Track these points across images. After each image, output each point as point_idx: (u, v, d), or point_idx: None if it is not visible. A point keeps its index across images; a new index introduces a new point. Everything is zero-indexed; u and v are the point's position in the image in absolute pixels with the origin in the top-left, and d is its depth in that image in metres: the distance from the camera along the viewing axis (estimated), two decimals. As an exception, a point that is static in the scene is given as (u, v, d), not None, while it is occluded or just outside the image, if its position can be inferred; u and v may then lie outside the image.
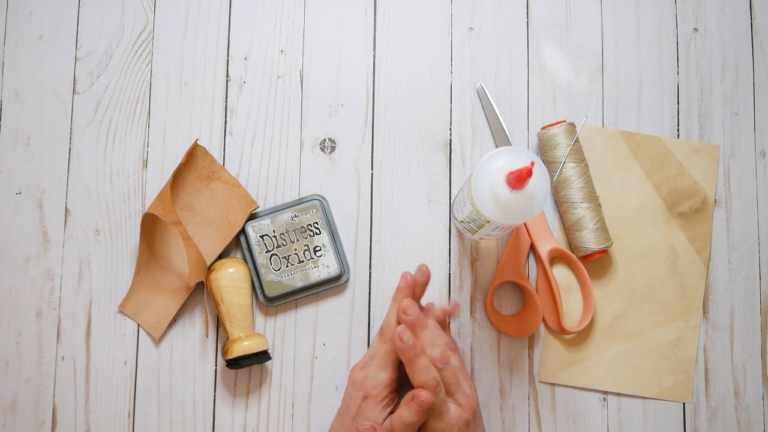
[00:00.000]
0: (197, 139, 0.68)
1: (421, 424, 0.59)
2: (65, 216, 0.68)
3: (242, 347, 0.63)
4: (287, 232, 0.67)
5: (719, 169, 0.71)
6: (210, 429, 0.66)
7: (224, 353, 0.64)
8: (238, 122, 0.69)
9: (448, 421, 0.58)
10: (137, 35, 0.70)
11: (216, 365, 0.67)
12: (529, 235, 0.68)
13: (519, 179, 0.53)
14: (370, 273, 0.68)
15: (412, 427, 0.58)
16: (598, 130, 0.70)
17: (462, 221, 0.64)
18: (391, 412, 0.59)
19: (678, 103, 0.72)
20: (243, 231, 0.67)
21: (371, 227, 0.69)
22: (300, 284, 0.66)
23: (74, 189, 0.68)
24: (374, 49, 0.71)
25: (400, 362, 0.60)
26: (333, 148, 0.70)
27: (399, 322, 0.60)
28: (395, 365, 0.60)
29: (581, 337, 0.68)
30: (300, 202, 0.68)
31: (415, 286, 0.61)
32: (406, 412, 0.57)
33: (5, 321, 0.67)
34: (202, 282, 0.66)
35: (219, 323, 0.67)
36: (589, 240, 0.67)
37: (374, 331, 0.68)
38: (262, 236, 0.66)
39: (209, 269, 0.65)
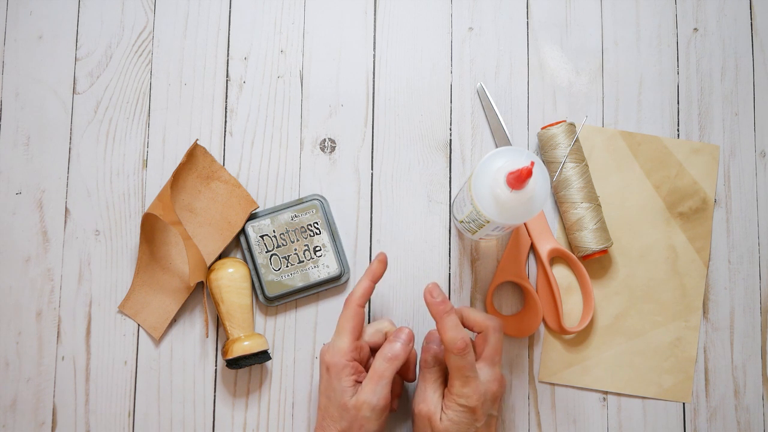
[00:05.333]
0: (197, 139, 0.68)
1: (448, 386, 0.58)
2: (65, 216, 0.68)
3: (242, 347, 0.63)
4: (287, 232, 0.67)
5: (719, 169, 0.71)
6: (210, 429, 0.66)
7: (224, 353, 0.64)
8: (238, 122, 0.69)
9: (475, 388, 0.57)
10: (137, 35, 0.70)
11: (216, 365, 0.67)
12: (529, 235, 0.68)
13: (519, 179, 0.53)
14: (370, 273, 0.68)
15: (395, 362, 0.58)
16: (598, 130, 0.70)
17: (462, 221, 0.64)
18: (357, 382, 0.59)
19: (678, 103, 0.72)
20: (243, 231, 0.67)
21: (371, 227, 0.69)
22: (300, 284, 0.66)
23: (74, 189, 0.68)
24: (374, 49, 0.71)
25: (360, 331, 0.61)
26: (333, 148, 0.70)
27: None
28: (354, 332, 0.60)
29: (581, 337, 0.68)
30: (300, 202, 0.68)
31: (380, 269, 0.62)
32: (388, 344, 0.59)
33: (5, 321, 0.67)
34: (202, 282, 0.66)
35: (219, 323, 0.67)
36: (589, 240, 0.67)
37: (374, 331, 0.68)
38: (262, 236, 0.66)
39: (209, 269, 0.65)
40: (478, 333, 0.62)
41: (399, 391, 0.64)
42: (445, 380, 0.61)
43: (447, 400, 0.58)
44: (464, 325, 0.62)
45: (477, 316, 0.61)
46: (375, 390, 0.57)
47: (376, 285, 0.68)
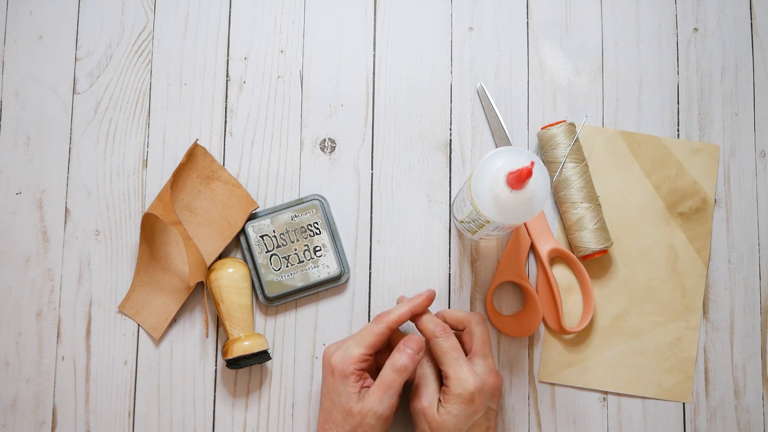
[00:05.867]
0: (197, 139, 0.68)
1: (443, 379, 0.59)
2: (65, 216, 0.68)
3: (242, 347, 0.63)
4: (287, 232, 0.67)
5: (719, 169, 0.71)
6: (210, 429, 0.66)
7: (224, 353, 0.64)
8: (238, 122, 0.69)
9: (469, 371, 0.58)
10: (137, 35, 0.70)
11: (216, 365, 0.67)
12: (529, 235, 0.68)
13: (519, 179, 0.53)
14: (370, 273, 0.68)
15: (404, 373, 0.58)
16: (598, 130, 0.70)
17: (462, 221, 0.64)
18: (364, 387, 0.59)
19: (678, 103, 0.72)
20: (243, 231, 0.67)
21: (371, 227, 0.69)
22: (300, 284, 0.66)
23: (74, 189, 0.68)
24: (374, 49, 0.71)
25: (377, 349, 0.61)
26: (333, 148, 0.70)
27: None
28: (372, 347, 0.60)
29: (581, 337, 0.68)
30: (300, 202, 0.68)
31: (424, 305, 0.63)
32: (397, 354, 0.58)
33: (5, 321, 0.67)
34: (202, 282, 0.66)
35: (219, 323, 0.67)
36: (589, 240, 0.67)
37: (374, 331, 0.68)
38: (262, 236, 0.66)
39: (209, 269, 0.65)
40: (462, 330, 0.63)
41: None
42: (439, 376, 0.61)
43: (444, 394, 0.59)
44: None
45: (457, 314, 0.63)
46: (382, 399, 0.57)
47: (377, 286, 0.68)
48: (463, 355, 0.60)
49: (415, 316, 0.62)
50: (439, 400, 0.59)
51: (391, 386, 0.58)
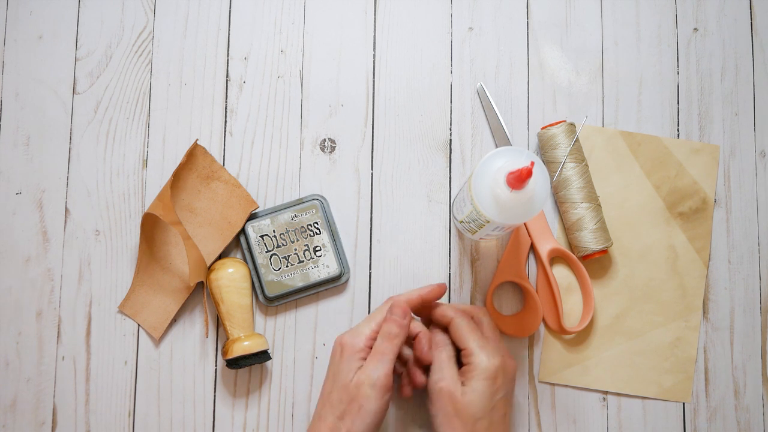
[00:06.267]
0: (197, 139, 0.68)
1: (464, 358, 0.60)
2: (65, 216, 0.68)
3: (242, 347, 0.63)
4: (287, 232, 0.67)
5: (719, 169, 0.71)
6: (210, 429, 0.66)
7: (224, 353, 0.64)
8: (238, 122, 0.69)
9: (494, 348, 0.60)
10: (137, 35, 0.70)
11: (216, 365, 0.67)
12: (529, 235, 0.68)
13: (519, 179, 0.53)
14: (370, 273, 0.68)
15: (394, 339, 0.59)
16: (598, 130, 0.70)
17: (462, 221, 0.64)
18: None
19: (678, 103, 0.72)
20: (243, 231, 0.67)
21: (371, 227, 0.69)
22: (300, 284, 0.66)
23: (74, 189, 0.68)
24: (374, 49, 0.71)
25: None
26: (333, 148, 0.70)
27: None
28: (381, 327, 0.60)
29: (581, 337, 0.68)
30: (300, 202, 0.68)
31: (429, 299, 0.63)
32: (386, 324, 0.60)
33: (5, 321, 0.67)
34: (202, 282, 0.66)
35: (219, 323, 0.67)
36: (589, 240, 0.67)
37: (374, 331, 0.68)
38: (262, 236, 0.66)
39: (209, 269, 0.65)
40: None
41: (420, 380, 0.63)
42: (457, 359, 0.62)
43: (467, 372, 0.59)
44: None
45: (463, 306, 0.64)
46: (376, 366, 0.58)
47: (377, 286, 0.68)
48: (479, 332, 0.61)
49: (429, 309, 0.63)
50: (462, 383, 0.59)
51: (384, 353, 0.58)
